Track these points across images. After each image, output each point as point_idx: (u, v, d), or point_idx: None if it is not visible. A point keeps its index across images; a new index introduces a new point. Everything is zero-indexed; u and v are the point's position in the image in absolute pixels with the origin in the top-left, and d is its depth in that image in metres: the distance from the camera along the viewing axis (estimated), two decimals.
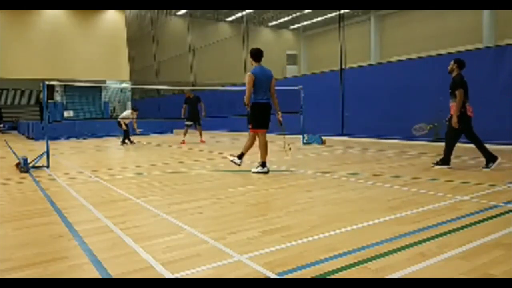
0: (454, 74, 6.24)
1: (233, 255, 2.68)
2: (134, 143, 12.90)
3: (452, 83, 6.18)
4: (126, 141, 13.13)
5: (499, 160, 6.05)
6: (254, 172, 6.24)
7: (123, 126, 13.02)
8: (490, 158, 6.08)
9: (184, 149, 11.03)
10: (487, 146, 6.20)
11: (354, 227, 3.24)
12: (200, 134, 12.94)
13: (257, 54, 6.26)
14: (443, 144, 9.53)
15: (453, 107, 6.13)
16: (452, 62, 6.29)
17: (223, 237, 3.07)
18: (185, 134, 12.96)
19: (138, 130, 13.62)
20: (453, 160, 6.45)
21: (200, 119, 12.74)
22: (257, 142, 6.43)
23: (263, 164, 6.27)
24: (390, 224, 3.30)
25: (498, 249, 2.65)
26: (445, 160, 6.31)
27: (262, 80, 6.14)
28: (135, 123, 13.27)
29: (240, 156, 6.58)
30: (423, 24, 20.26)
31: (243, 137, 15.51)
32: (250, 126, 6.41)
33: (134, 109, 13.26)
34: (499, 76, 8.98)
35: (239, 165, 6.58)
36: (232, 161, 6.61)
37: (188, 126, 12.84)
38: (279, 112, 6.57)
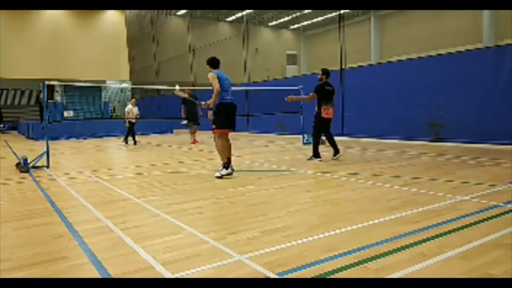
0: (322, 81, 7.54)
1: (233, 255, 2.68)
2: (135, 145, 12.70)
3: (314, 87, 7.54)
4: (129, 140, 12.89)
5: (319, 159, 7.48)
6: (218, 177, 5.85)
7: (127, 124, 12.80)
8: (316, 154, 7.51)
9: (184, 149, 11.03)
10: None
11: (354, 227, 3.24)
12: (194, 134, 12.96)
13: (214, 62, 6.14)
14: (443, 144, 9.61)
15: (320, 109, 7.47)
16: (320, 72, 7.62)
17: (223, 237, 3.07)
18: (191, 133, 13.03)
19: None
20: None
21: (198, 120, 12.78)
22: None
23: (225, 166, 5.94)
24: (390, 224, 3.30)
25: (498, 249, 2.65)
26: (315, 154, 7.53)
27: (224, 81, 6.00)
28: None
29: (226, 166, 5.99)
30: (423, 24, 20.27)
31: (243, 137, 15.52)
32: (213, 127, 6.08)
33: (133, 97, 13.06)
34: (499, 76, 8.98)
35: (231, 173, 5.97)
36: (221, 176, 5.89)
37: (188, 125, 12.89)
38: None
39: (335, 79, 12.83)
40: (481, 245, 2.74)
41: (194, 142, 12.79)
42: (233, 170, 6.03)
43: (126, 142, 12.95)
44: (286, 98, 8.21)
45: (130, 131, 12.93)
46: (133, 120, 12.77)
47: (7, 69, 29.92)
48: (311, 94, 7.51)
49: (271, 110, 12.43)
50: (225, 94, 5.99)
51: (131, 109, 12.74)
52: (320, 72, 7.61)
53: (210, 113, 6.14)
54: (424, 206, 3.85)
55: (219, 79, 5.94)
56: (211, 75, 5.97)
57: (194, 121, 12.68)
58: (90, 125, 18.45)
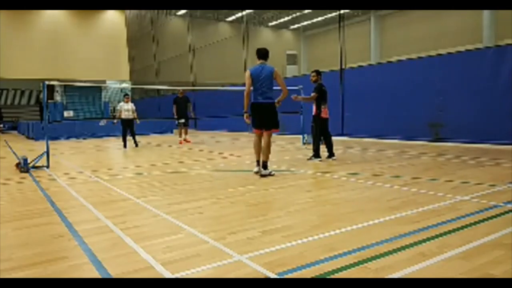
0: (318, 82, 7.58)
1: (233, 255, 2.68)
2: (126, 148, 11.83)
3: (314, 88, 7.57)
4: (127, 141, 11.95)
5: (319, 159, 7.50)
6: (263, 175, 5.98)
7: (115, 121, 11.91)
8: (316, 155, 7.55)
9: (184, 149, 11.02)
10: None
11: (354, 227, 3.24)
12: (185, 133, 12.91)
13: (258, 53, 6.16)
14: (443, 144, 9.61)
15: (320, 110, 7.54)
16: (314, 74, 7.65)
17: (223, 237, 3.07)
18: (180, 134, 13.00)
19: (137, 121, 12.22)
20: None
21: (187, 119, 12.78)
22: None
23: (262, 165, 6.04)
24: (390, 224, 3.30)
25: (498, 249, 2.65)
26: (316, 154, 7.57)
27: (256, 79, 5.93)
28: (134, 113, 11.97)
29: (261, 164, 6.05)
30: (423, 24, 20.26)
31: (243, 137, 15.50)
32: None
33: (125, 95, 11.83)
34: (499, 76, 8.98)
35: (271, 173, 5.96)
36: (268, 174, 5.95)
37: (179, 125, 12.89)
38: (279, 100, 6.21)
39: (335, 79, 12.86)
40: (481, 245, 2.74)
41: (183, 142, 12.73)
42: (258, 171, 6.01)
43: (125, 146, 11.81)
44: (292, 97, 8.24)
45: (125, 132, 11.93)
46: (129, 117, 11.75)
47: (7, 69, 29.92)
48: (312, 94, 7.51)
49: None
50: (254, 94, 6.00)
51: (122, 106, 11.78)
52: (314, 73, 7.65)
53: (245, 115, 6.07)
54: (424, 206, 3.85)
55: (252, 78, 5.94)
56: (245, 74, 6.06)
57: (184, 120, 12.68)
58: (90, 125, 18.43)
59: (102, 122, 13.67)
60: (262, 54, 6.13)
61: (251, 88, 6.02)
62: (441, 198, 4.19)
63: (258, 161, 6.07)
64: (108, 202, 4.49)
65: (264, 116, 6.02)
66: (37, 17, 31.76)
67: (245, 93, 6.01)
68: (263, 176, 5.88)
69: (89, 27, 34.07)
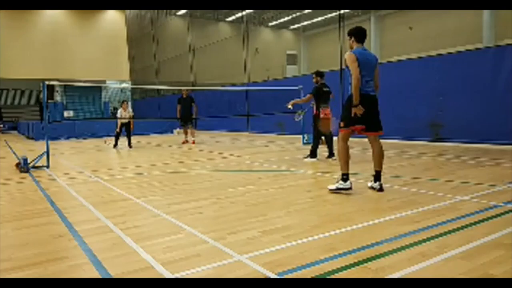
0: (319, 82, 7.62)
1: (233, 255, 2.68)
2: (117, 146, 12.04)
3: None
4: (120, 142, 12.21)
5: (315, 159, 7.55)
6: (331, 190, 4.58)
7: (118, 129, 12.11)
8: (313, 155, 7.62)
9: (184, 149, 11.02)
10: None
11: (354, 227, 3.24)
12: (192, 135, 12.84)
13: (359, 33, 4.72)
14: (443, 144, 9.62)
15: (319, 110, 7.52)
16: (314, 75, 7.71)
17: (223, 237, 3.07)
18: (185, 133, 13.02)
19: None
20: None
21: (192, 120, 12.74)
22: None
23: (343, 178, 4.54)
24: (390, 224, 3.30)
25: (498, 249, 2.65)
26: (313, 154, 7.63)
27: (363, 64, 4.51)
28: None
29: (345, 178, 4.57)
30: (423, 24, 20.25)
31: (243, 137, 15.51)
32: (340, 124, 4.69)
33: (124, 101, 12.06)
34: (499, 76, 8.98)
35: (349, 188, 4.54)
36: (337, 190, 4.56)
37: (183, 126, 12.90)
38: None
39: (335, 79, 12.85)
40: (481, 245, 2.74)
41: (185, 142, 12.76)
42: (351, 186, 4.57)
43: (115, 145, 12.05)
44: (287, 106, 8.29)
45: (119, 134, 12.13)
46: (125, 121, 11.94)
47: (7, 69, 29.92)
48: (308, 95, 7.64)
49: (271, 110, 12.42)
50: (360, 82, 4.48)
51: (121, 112, 11.96)
52: (314, 75, 7.67)
53: (357, 108, 4.44)
54: (424, 206, 3.85)
55: (359, 62, 4.49)
56: (349, 57, 4.53)
57: (188, 121, 12.65)
58: (90, 125, 18.43)
59: (108, 142, 13.88)
60: (364, 35, 4.76)
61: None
62: (441, 198, 4.19)
63: (347, 175, 4.55)
64: (108, 202, 4.49)
65: (373, 112, 4.61)
66: (37, 17, 31.76)
67: (355, 81, 4.43)
68: (379, 189, 4.65)
69: (89, 27, 34.07)
